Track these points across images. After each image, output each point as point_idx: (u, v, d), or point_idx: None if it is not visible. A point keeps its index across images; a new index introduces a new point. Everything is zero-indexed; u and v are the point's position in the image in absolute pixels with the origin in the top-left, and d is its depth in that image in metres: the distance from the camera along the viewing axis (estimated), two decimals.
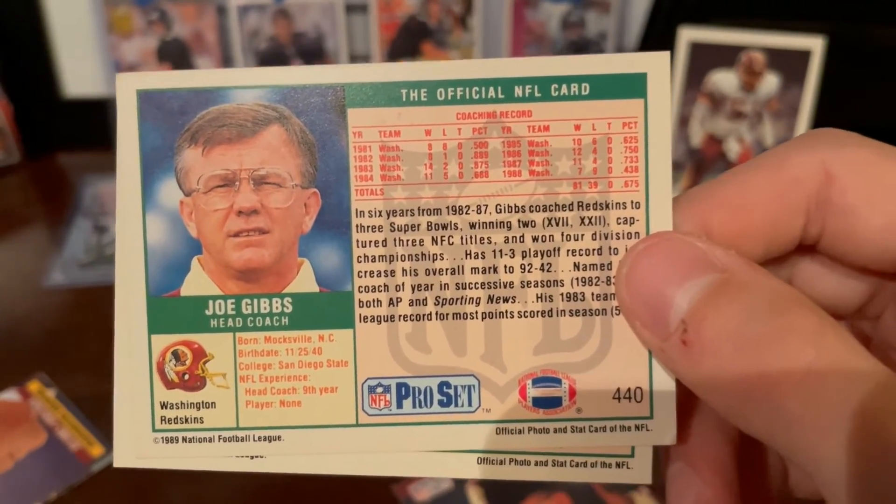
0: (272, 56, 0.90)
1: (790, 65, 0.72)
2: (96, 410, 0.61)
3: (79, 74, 0.93)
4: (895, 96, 0.77)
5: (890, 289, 0.19)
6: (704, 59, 0.73)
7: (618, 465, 0.21)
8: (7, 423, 0.60)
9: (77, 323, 0.70)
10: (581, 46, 0.91)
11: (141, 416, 0.21)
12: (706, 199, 0.19)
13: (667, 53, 0.20)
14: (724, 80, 0.73)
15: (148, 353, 0.21)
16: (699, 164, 0.77)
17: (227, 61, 0.91)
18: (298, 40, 0.90)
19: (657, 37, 0.81)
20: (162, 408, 0.21)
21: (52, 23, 0.91)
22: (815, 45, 0.70)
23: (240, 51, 0.89)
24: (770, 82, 0.73)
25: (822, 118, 0.73)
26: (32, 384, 0.63)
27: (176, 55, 0.90)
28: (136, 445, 0.21)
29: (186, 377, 0.21)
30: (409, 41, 0.91)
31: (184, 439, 0.21)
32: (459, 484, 0.53)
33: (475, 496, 0.52)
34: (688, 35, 0.73)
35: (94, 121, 0.93)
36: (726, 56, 0.73)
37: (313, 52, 0.90)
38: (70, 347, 0.67)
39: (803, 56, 0.71)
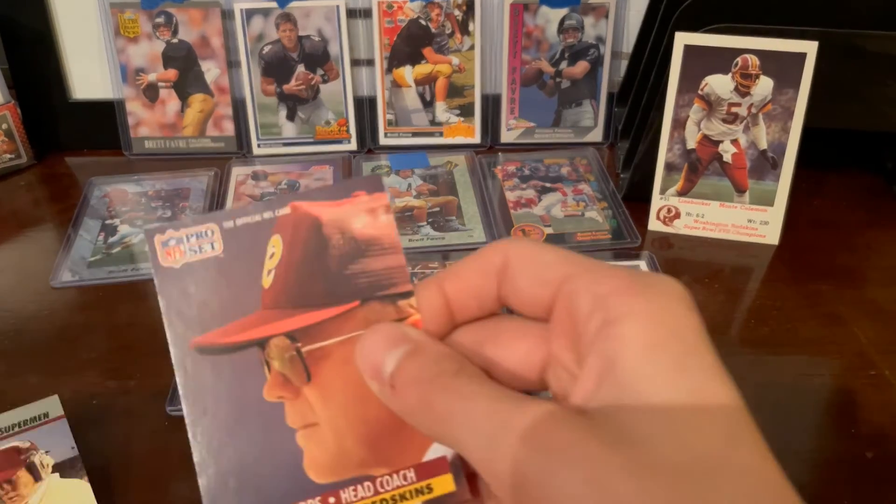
0: (277, 60, 0.91)
1: (784, 68, 0.72)
2: (104, 406, 0.61)
3: (86, 77, 0.94)
4: (886, 99, 0.77)
5: (554, 330, 0.26)
6: (700, 63, 0.73)
7: None
8: None
9: (84, 321, 0.70)
10: (578, 51, 0.92)
11: None
12: (442, 277, 0.27)
13: None
14: (719, 83, 0.74)
15: None
16: (694, 166, 0.78)
17: (232, 65, 0.92)
18: (302, 44, 0.91)
19: (653, 41, 0.82)
20: None
21: (61, 27, 0.92)
22: (809, 48, 0.71)
23: (244, 55, 0.90)
24: (764, 85, 0.73)
25: (816, 121, 0.74)
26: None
27: (182, 59, 0.91)
28: None
29: None
30: (410, 46, 0.91)
31: None
32: None
33: None
34: (683, 39, 0.73)
35: (102, 123, 0.94)
36: (721, 60, 0.73)
37: (317, 57, 0.91)
38: (78, 345, 0.68)
39: (797, 59, 0.71)
